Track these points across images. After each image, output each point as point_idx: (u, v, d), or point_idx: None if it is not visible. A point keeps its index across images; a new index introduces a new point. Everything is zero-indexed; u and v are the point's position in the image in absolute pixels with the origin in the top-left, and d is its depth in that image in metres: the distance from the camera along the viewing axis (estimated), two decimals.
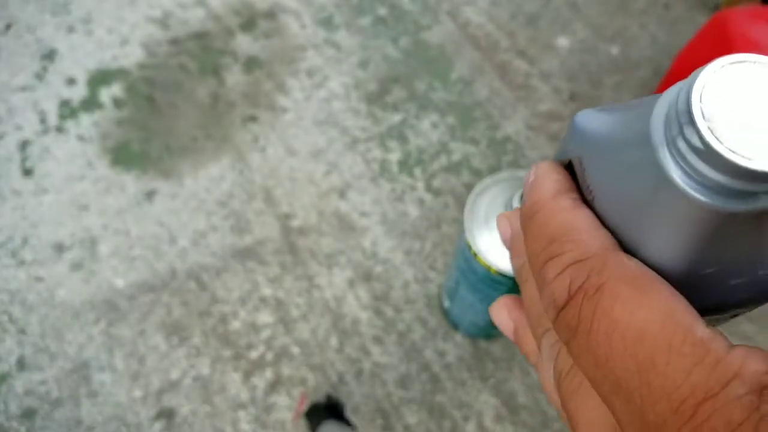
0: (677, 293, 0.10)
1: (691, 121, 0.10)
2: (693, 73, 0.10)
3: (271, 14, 0.75)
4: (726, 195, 0.10)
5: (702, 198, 0.10)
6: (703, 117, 0.10)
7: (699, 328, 0.10)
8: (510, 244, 0.15)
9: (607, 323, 0.10)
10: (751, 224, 0.10)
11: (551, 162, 0.14)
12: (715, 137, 0.09)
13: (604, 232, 0.12)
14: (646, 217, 0.11)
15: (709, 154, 0.10)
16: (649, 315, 0.10)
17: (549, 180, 0.13)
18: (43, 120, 0.67)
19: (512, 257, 0.15)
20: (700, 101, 0.10)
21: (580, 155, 0.13)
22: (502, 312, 0.17)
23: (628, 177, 0.11)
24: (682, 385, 0.09)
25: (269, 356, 0.55)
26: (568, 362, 0.12)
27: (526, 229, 0.13)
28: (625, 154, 0.12)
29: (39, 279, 0.58)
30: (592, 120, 0.13)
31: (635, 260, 0.11)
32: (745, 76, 0.10)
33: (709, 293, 0.12)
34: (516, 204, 0.37)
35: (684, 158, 0.10)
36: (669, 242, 0.11)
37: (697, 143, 0.10)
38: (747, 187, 0.10)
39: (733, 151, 0.09)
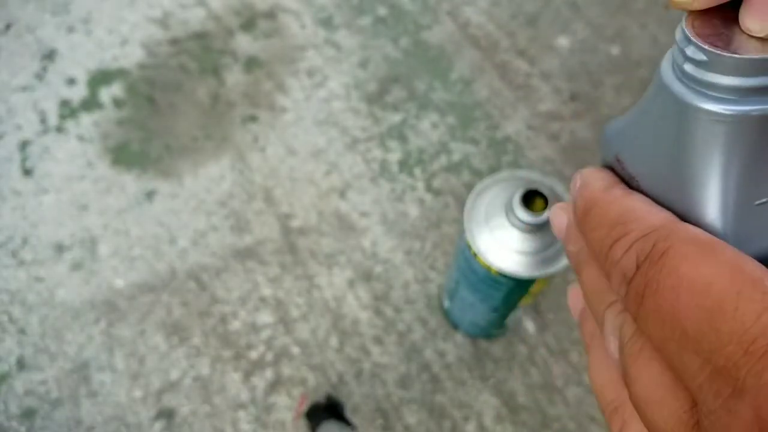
0: (745, 255, 0.11)
1: (689, 41, 0.11)
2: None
3: (271, 14, 0.75)
4: (743, 96, 0.11)
5: (720, 108, 0.11)
6: (699, 36, 0.11)
7: None
8: (566, 232, 0.15)
9: (674, 280, 0.11)
10: None
11: (594, 167, 0.15)
12: (714, 47, 0.11)
13: (661, 208, 0.13)
14: (688, 162, 0.12)
15: (715, 61, 0.11)
16: (717, 269, 0.10)
17: (596, 179, 0.14)
18: (43, 120, 0.67)
19: (568, 244, 0.15)
20: (693, 27, 0.11)
21: (617, 153, 0.14)
22: (576, 294, 0.17)
23: (661, 138, 0.12)
24: (752, 327, 0.09)
25: (269, 356, 0.55)
26: (632, 328, 0.13)
27: (584, 223, 0.14)
28: (651, 121, 0.13)
29: (39, 279, 0.58)
30: (617, 122, 0.14)
31: (699, 229, 0.12)
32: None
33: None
34: (517, 204, 0.37)
35: (694, 79, 0.11)
36: (713, 174, 0.12)
37: (702, 56, 0.11)
38: (759, 80, 0.11)
39: (734, 52, 0.11)
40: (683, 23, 0.12)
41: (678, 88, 0.12)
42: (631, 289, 0.12)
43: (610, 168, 0.15)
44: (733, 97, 0.11)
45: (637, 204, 0.13)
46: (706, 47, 0.11)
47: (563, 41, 0.74)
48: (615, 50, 0.73)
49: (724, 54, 0.11)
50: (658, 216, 0.12)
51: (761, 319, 0.09)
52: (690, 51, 0.11)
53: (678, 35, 0.12)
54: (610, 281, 0.13)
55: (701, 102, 0.11)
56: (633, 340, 0.12)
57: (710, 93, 0.11)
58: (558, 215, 0.16)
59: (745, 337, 0.09)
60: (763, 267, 0.10)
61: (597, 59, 0.72)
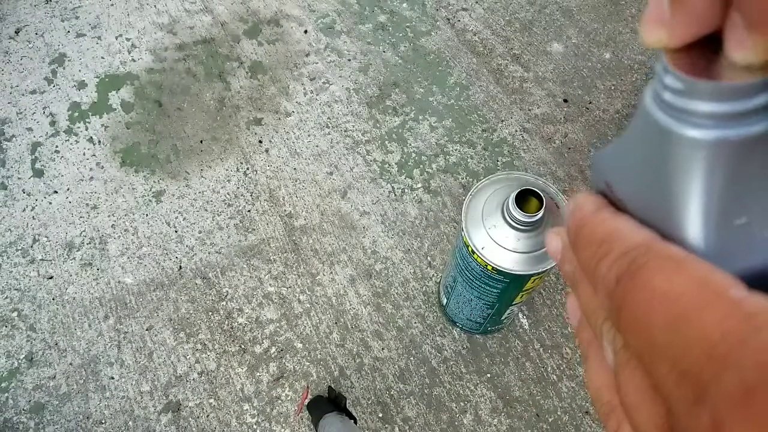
0: (717, 269, 0.11)
1: (667, 71, 0.12)
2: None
3: (275, 21, 0.77)
4: (721, 121, 0.12)
5: (699, 134, 0.12)
6: (677, 67, 0.12)
7: (737, 291, 0.11)
8: (561, 254, 0.17)
9: (647, 292, 0.11)
10: (761, 155, 0.12)
11: (586, 192, 0.17)
12: (691, 75, 0.12)
13: (644, 228, 0.14)
14: (670, 185, 0.13)
15: (692, 89, 0.12)
16: (687, 281, 0.11)
17: (587, 202, 0.15)
18: (53, 123, 0.69)
19: (563, 265, 0.17)
20: (672, 59, 0.12)
21: (606, 180, 0.15)
22: (573, 304, 0.19)
23: (645, 163, 0.14)
24: (713, 332, 0.10)
25: (273, 351, 0.56)
26: (623, 340, 0.13)
27: (575, 243, 0.15)
28: (636, 148, 0.14)
29: (49, 277, 0.59)
30: (606, 150, 0.16)
31: (676, 246, 0.12)
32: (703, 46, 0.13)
33: (749, 250, 0.13)
34: (512, 204, 0.39)
35: (674, 107, 0.12)
36: (694, 196, 0.12)
37: (679, 85, 0.12)
38: (735, 106, 0.11)
39: (710, 80, 0.12)
40: (663, 56, 0.13)
41: (659, 115, 0.12)
42: (612, 302, 0.13)
43: (601, 193, 0.16)
44: (710, 123, 0.12)
45: (622, 224, 0.14)
46: (682, 76, 0.12)
47: (557, 46, 0.76)
48: (607, 55, 0.75)
49: (700, 81, 0.12)
50: (640, 235, 0.13)
51: (722, 325, 0.10)
52: (668, 80, 0.12)
53: (658, 67, 0.13)
54: (598, 296, 0.14)
55: (681, 128, 0.12)
56: (622, 351, 0.13)
57: (689, 119, 0.12)
58: (552, 240, 0.17)
59: (706, 342, 0.10)
60: (734, 280, 0.11)
61: (590, 64, 0.74)
